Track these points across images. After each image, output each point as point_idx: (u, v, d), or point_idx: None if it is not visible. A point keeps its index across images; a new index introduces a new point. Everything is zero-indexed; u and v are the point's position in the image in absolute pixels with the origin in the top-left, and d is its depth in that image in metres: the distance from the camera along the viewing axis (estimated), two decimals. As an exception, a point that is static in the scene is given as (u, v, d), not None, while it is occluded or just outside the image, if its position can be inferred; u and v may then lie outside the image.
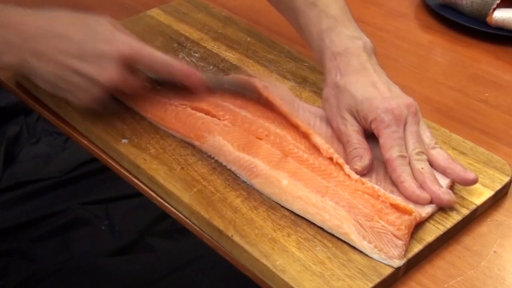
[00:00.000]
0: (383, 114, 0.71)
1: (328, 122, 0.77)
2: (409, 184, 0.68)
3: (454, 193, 0.69)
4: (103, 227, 1.52)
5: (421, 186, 0.68)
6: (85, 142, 0.80)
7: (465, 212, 0.69)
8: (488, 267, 0.65)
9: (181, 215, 0.70)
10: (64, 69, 0.73)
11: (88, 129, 0.79)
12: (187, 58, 0.91)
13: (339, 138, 0.75)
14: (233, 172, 0.73)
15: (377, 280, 0.61)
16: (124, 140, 0.77)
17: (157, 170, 0.73)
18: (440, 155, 0.71)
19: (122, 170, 0.76)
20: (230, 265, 0.67)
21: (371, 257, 0.63)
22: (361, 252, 0.64)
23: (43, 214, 1.52)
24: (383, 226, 0.65)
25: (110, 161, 0.77)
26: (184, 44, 0.94)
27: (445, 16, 1.07)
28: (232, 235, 0.65)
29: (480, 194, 0.71)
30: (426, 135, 0.73)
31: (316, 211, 0.66)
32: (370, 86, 0.73)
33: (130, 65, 0.74)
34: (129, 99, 0.80)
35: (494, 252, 0.67)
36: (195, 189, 0.70)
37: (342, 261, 0.63)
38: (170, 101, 0.80)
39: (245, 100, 0.80)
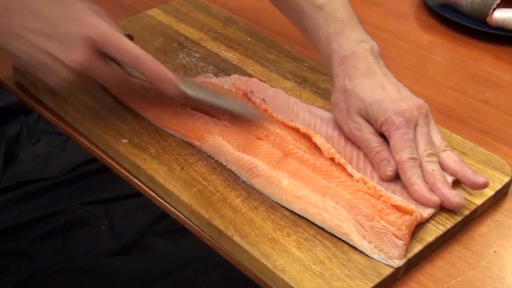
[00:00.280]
0: (394, 116, 0.71)
1: (330, 122, 0.77)
2: (419, 187, 0.68)
3: (454, 193, 0.69)
4: (103, 227, 1.52)
5: (431, 188, 0.68)
6: (85, 142, 0.80)
7: (465, 212, 0.69)
8: (488, 267, 0.65)
9: (181, 215, 0.70)
10: (33, 48, 0.70)
11: (88, 129, 0.79)
12: (187, 58, 0.91)
13: (356, 143, 0.74)
14: (233, 172, 0.73)
15: (377, 280, 0.61)
16: (124, 140, 0.77)
17: (157, 170, 0.73)
18: (450, 158, 0.71)
19: (122, 170, 0.76)
20: (230, 265, 0.67)
21: (371, 257, 0.63)
22: (361, 252, 0.64)
23: (43, 214, 1.52)
24: (383, 226, 0.65)
25: (110, 161, 0.77)
26: (184, 44, 0.94)
27: (445, 16, 1.07)
28: (232, 235, 0.65)
29: (480, 194, 0.71)
30: (437, 138, 0.73)
31: (316, 211, 0.66)
32: (379, 88, 0.73)
33: (99, 50, 0.70)
34: (124, 96, 0.78)
35: (494, 252, 0.67)
36: (195, 189, 0.70)
37: (342, 261, 0.63)
38: (170, 101, 0.80)
39: (245, 100, 0.80)
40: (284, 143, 0.74)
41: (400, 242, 0.63)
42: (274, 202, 0.69)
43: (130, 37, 0.76)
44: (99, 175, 1.62)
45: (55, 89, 0.74)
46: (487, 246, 0.68)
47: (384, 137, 0.73)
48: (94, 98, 0.82)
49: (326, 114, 0.79)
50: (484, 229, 0.70)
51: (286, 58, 0.92)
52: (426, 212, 0.67)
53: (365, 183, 0.69)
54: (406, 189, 0.69)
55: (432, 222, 0.67)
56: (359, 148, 0.74)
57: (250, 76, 0.87)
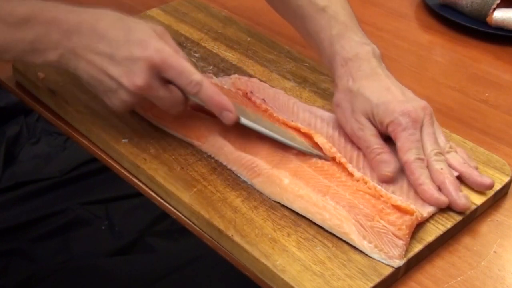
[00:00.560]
0: (401, 117, 0.71)
1: (330, 122, 0.77)
2: (428, 187, 0.68)
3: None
4: (103, 227, 1.52)
5: (440, 186, 0.69)
6: (85, 142, 0.80)
7: (465, 212, 0.69)
8: (488, 267, 0.65)
9: (181, 215, 0.70)
10: (95, 69, 0.71)
11: (88, 129, 0.79)
12: (187, 58, 0.91)
13: (357, 143, 0.74)
14: (233, 172, 0.73)
15: (377, 280, 0.61)
16: (124, 140, 0.77)
17: (157, 170, 0.73)
18: (455, 159, 0.72)
19: (122, 170, 0.76)
20: (230, 265, 0.67)
21: (371, 257, 0.63)
22: (361, 252, 0.64)
23: (43, 214, 1.52)
24: (384, 226, 0.65)
25: (110, 161, 0.77)
26: (184, 44, 0.94)
27: (445, 16, 1.07)
28: (232, 235, 0.65)
29: (480, 194, 0.71)
30: (441, 139, 0.73)
31: (316, 210, 0.67)
32: (384, 90, 0.73)
33: (161, 75, 0.70)
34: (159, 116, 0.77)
35: (494, 252, 0.67)
36: (195, 189, 0.70)
37: (342, 261, 0.63)
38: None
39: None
40: (284, 143, 0.74)
41: (400, 242, 0.63)
42: (274, 202, 0.69)
43: None
44: (99, 175, 1.62)
45: (114, 110, 0.74)
46: (487, 246, 0.68)
47: (386, 139, 0.73)
48: (94, 98, 0.82)
49: (326, 114, 0.79)
50: (484, 229, 0.70)
51: (286, 58, 0.92)
52: (426, 211, 0.67)
53: (366, 183, 0.69)
54: (414, 189, 0.69)
55: (432, 222, 0.67)
56: (359, 148, 0.74)
57: (250, 76, 0.87)
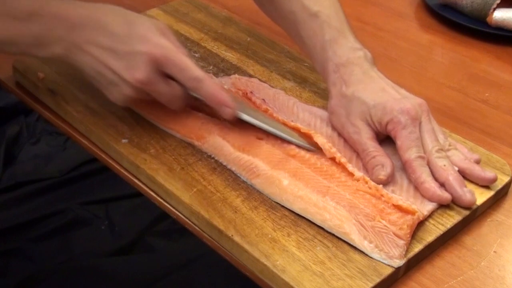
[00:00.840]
0: (400, 115, 0.71)
1: (329, 123, 0.78)
2: (430, 185, 0.68)
3: (454, 193, 0.69)
4: (103, 227, 1.52)
5: (444, 183, 0.69)
6: (85, 142, 0.80)
7: (465, 212, 0.69)
8: (488, 267, 0.65)
9: (181, 215, 0.70)
10: (98, 62, 0.72)
11: (88, 129, 0.79)
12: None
13: (353, 147, 0.74)
14: (233, 172, 0.73)
15: (377, 280, 0.61)
16: (124, 140, 0.77)
17: (157, 170, 0.73)
18: (456, 156, 0.72)
19: (122, 170, 0.76)
20: (230, 265, 0.67)
21: (371, 257, 0.63)
22: (361, 252, 0.64)
23: (43, 214, 1.52)
24: (384, 226, 0.65)
25: (110, 161, 0.77)
26: (184, 44, 0.94)
27: (445, 16, 1.07)
28: (232, 235, 0.65)
29: (480, 194, 0.71)
30: (440, 137, 0.73)
31: (316, 211, 0.66)
32: (380, 91, 0.74)
33: (162, 70, 0.71)
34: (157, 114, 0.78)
35: (494, 252, 0.67)
36: (195, 189, 0.70)
37: (342, 261, 0.63)
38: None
39: (245, 100, 0.80)
40: (284, 143, 0.74)
41: (401, 242, 0.63)
42: (274, 202, 0.69)
43: None
44: (99, 175, 1.62)
45: (116, 103, 0.75)
46: (487, 246, 0.68)
47: (384, 141, 0.73)
48: (94, 98, 0.82)
49: (326, 114, 0.79)
50: (484, 229, 0.70)
51: (286, 58, 0.92)
52: (426, 209, 0.67)
53: (366, 182, 0.69)
54: (415, 187, 0.69)
55: (432, 222, 0.67)
56: None
57: (250, 76, 0.87)
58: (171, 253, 1.43)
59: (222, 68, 0.89)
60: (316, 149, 0.73)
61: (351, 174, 0.70)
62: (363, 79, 0.75)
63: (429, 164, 0.70)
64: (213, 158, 0.74)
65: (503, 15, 1.02)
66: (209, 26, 0.99)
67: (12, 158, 1.69)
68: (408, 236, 0.64)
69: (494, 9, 1.03)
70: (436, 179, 0.69)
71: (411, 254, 0.64)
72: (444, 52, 1.03)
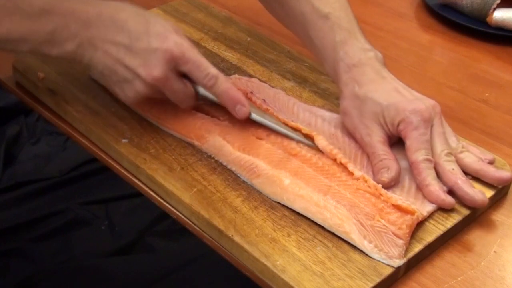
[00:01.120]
0: (412, 116, 0.71)
1: (330, 122, 0.78)
2: (434, 188, 0.68)
3: (454, 193, 0.69)
4: (103, 227, 1.51)
5: (453, 187, 0.69)
6: (85, 142, 0.80)
7: (465, 212, 0.69)
8: (488, 267, 0.65)
9: (181, 215, 0.70)
10: (112, 59, 0.72)
11: (88, 129, 0.79)
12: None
13: (363, 149, 0.74)
14: (233, 172, 0.73)
15: (377, 280, 0.61)
16: (124, 140, 0.77)
17: (157, 170, 0.73)
18: (470, 158, 0.72)
19: (122, 170, 0.76)
20: (230, 265, 0.67)
21: (371, 257, 0.63)
22: (361, 252, 0.64)
23: (43, 214, 1.52)
24: (384, 225, 0.65)
25: (110, 161, 0.77)
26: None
27: (445, 16, 1.07)
28: (232, 235, 0.65)
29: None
30: (452, 140, 0.73)
31: (317, 210, 0.67)
32: (393, 91, 0.73)
33: (177, 68, 0.72)
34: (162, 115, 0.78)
35: (494, 252, 0.67)
36: (195, 189, 0.70)
37: (342, 261, 0.63)
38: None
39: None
40: (285, 142, 0.74)
41: (400, 242, 0.63)
42: (274, 202, 0.69)
43: None
44: (99, 175, 1.62)
45: (126, 102, 0.76)
46: (487, 246, 0.68)
47: (396, 144, 0.73)
48: (94, 98, 0.82)
49: (327, 114, 0.79)
50: (484, 229, 0.70)
51: (286, 58, 0.92)
52: (426, 210, 0.67)
53: (366, 181, 0.69)
54: (419, 189, 0.69)
55: (432, 222, 0.67)
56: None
57: (250, 76, 0.87)
58: (171, 253, 1.43)
59: (222, 68, 0.89)
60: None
61: (351, 173, 0.70)
62: (376, 79, 0.75)
63: (437, 168, 0.70)
64: (213, 158, 0.74)
65: (503, 15, 1.02)
66: (209, 26, 0.99)
67: (12, 158, 1.69)
68: (407, 236, 0.64)
69: (494, 9, 1.03)
70: (444, 183, 0.69)
71: (411, 254, 0.64)
72: (444, 52, 1.03)
